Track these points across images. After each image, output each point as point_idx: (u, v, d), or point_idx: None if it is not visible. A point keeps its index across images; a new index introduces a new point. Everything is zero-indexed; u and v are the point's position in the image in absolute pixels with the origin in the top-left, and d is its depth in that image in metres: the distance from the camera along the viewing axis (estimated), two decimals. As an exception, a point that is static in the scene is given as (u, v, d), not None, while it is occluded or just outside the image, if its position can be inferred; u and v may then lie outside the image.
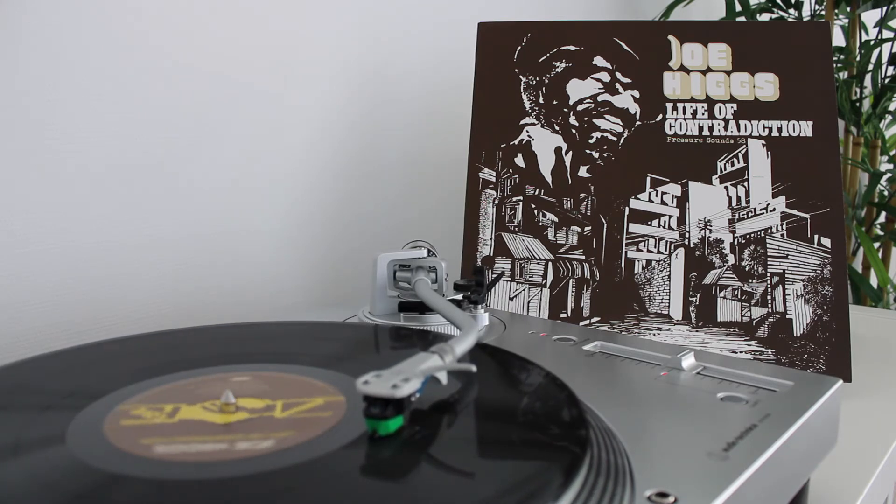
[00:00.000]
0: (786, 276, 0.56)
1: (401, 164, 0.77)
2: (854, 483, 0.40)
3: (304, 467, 0.24)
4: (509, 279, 0.59)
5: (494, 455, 0.26)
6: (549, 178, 0.60)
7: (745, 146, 0.58)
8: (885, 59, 1.21)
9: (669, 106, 0.60)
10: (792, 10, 1.20)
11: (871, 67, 1.20)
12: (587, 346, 0.41)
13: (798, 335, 0.54)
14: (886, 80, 1.22)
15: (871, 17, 1.34)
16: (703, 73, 0.60)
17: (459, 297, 0.46)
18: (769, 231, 0.57)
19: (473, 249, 0.60)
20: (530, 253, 0.59)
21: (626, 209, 0.59)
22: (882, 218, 1.27)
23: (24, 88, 0.48)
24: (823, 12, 1.21)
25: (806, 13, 1.23)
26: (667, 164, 0.59)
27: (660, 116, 0.60)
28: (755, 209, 0.57)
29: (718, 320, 0.55)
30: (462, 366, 0.31)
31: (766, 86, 0.59)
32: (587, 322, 0.57)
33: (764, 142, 0.58)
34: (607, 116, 0.60)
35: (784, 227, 0.56)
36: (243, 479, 0.24)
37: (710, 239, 0.57)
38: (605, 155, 0.60)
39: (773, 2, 1.20)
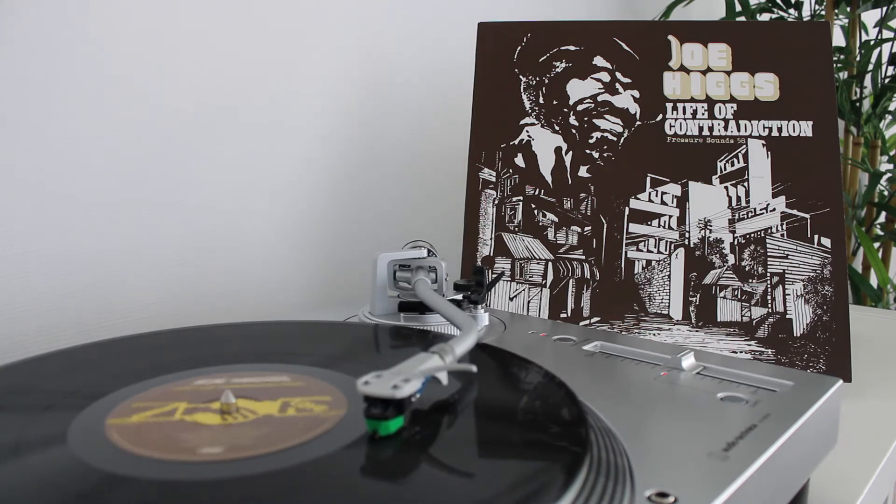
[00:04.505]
0: (786, 276, 0.56)
1: (401, 165, 0.77)
2: (854, 483, 0.40)
3: (305, 467, 0.25)
4: (509, 279, 0.59)
5: (494, 455, 0.26)
6: (549, 178, 0.60)
7: (745, 146, 0.58)
8: (885, 59, 1.21)
9: (669, 106, 0.60)
10: (792, 10, 1.20)
11: (871, 67, 1.20)
12: (587, 346, 0.41)
13: (798, 335, 0.54)
14: (886, 80, 1.22)
15: (871, 17, 1.34)
16: (703, 73, 0.60)
17: (459, 297, 0.46)
18: (769, 231, 0.57)
19: (473, 249, 0.60)
20: (530, 253, 0.59)
21: (626, 209, 0.59)
22: (882, 218, 1.27)
23: (24, 89, 0.48)
24: (823, 12, 1.21)
25: (806, 13, 1.23)
26: (667, 164, 0.59)
27: (660, 116, 0.60)
28: (755, 209, 0.57)
29: (718, 320, 0.55)
30: (462, 366, 0.31)
31: (766, 86, 0.59)
32: (587, 322, 0.57)
33: (764, 142, 0.58)
34: (607, 116, 0.60)
35: (784, 227, 0.56)
36: (243, 479, 0.24)
37: (710, 239, 0.57)
38: (605, 155, 0.60)
39: (773, 2, 1.20)
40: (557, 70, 0.62)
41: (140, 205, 0.55)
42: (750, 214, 0.57)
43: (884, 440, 0.45)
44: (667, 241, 0.58)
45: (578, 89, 0.61)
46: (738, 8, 1.16)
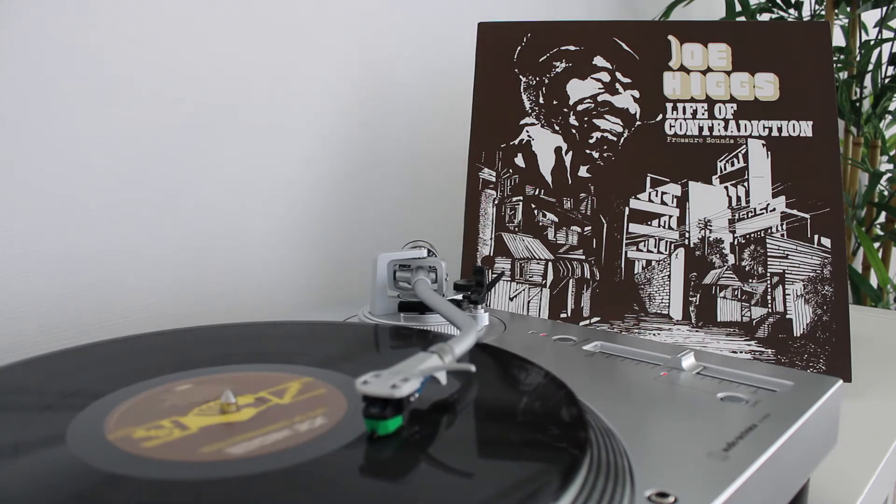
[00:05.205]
0: (786, 276, 0.56)
1: (401, 165, 0.77)
2: (854, 483, 0.40)
3: (304, 467, 0.25)
4: (509, 279, 0.59)
5: (494, 455, 0.26)
6: (549, 178, 0.60)
7: (745, 146, 0.58)
8: (885, 59, 1.21)
9: (669, 106, 0.60)
10: (792, 10, 1.20)
11: (871, 67, 1.20)
12: (587, 346, 0.41)
13: (798, 335, 0.54)
14: (886, 80, 1.22)
15: (871, 17, 1.34)
16: (703, 73, 0.60)
17: (459, 297, 0.46)
18: (769, 231, 0.57)
19: (473, 249, 0.60)
20: (530, 253, 0.59)
21: (626, 209, 0.59)
22: (882, 218, 1.27)
23: (25, 89, 0.48)
24: (823, 12, 1.21)
25: (806, 13, 1.23)
26: (667, 164, 0.59)
27: (660, 116, 0.60)
28: (755, 209, 0.57)
29: (718, 320, 0.55)
30: (461, 366, 0.31)
31: (766, 86, 0.59)
32: (587, 322, 0.57)
33: (764, 142, 0.58)
34: (607, 116, 0.60)
35: (784, 227, 0.56)
36: (243, 479, 0.24)
37: (710, 239, 0.57)
38: (605, 155, 0.60)
39: (773, 2, 1.20)
40: (557, 70, 0.62)
41: (140, 205, 0.55)
42: (750, 214, 0.57)
43: (884, 440, 0.45)
44: (667, 241, 0.58)
45: (578, 89, 0.61)
46: (738, 8, 1.16)
